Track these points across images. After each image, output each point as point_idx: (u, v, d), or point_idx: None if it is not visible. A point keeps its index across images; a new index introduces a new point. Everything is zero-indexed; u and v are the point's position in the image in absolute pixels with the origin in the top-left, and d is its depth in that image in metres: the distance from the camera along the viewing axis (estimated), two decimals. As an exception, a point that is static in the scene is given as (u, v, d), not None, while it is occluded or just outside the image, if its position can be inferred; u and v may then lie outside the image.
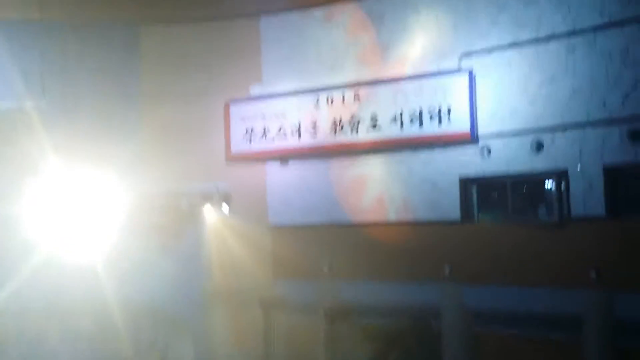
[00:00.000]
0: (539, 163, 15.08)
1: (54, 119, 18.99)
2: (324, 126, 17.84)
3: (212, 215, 18.99)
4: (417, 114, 16.40)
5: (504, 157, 15.58)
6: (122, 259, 18.52)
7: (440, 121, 16.10)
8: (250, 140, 18.93)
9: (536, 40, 15.19)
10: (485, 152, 15.71)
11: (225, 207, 19.04)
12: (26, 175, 18.54)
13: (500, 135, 15.63)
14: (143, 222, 18.49)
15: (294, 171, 18.62)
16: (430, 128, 16.26)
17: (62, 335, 19.08)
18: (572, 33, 14.70)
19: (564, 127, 14.72)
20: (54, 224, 18.29)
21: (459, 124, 15.91)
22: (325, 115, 17.84)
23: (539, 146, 14.96)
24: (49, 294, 18.58)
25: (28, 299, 18.66)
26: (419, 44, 16.81)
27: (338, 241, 17.75)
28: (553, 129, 14.88)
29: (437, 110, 16.14)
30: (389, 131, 16.87)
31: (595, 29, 14.40)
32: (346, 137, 17.51)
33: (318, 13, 18.48)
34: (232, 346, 19.12)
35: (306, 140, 18.14)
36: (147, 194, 18.72)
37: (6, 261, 18.20)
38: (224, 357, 19.09)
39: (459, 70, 16.08)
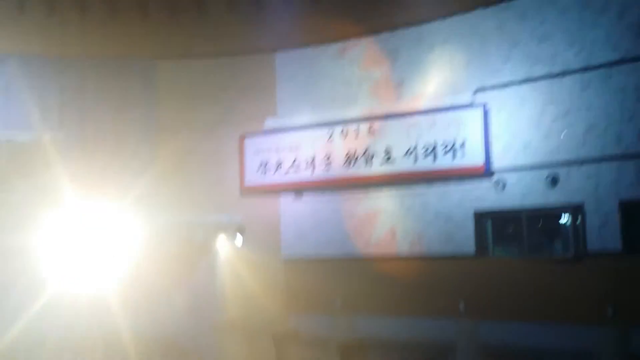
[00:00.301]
0: (554, 197, 15.07)
1: (70, 151, 19.28)
2: (338, 159, 17.98)
3: (225, 247, 19.03)
4: (431, 147, 16.49)
5: (518, 191, 15.59)
6: (135, 290, 18.59)
7: (454, 155, 16.17)
8: (265, 173, 19.07)
9: (550, 76, 15.30)
10: (500, 186, 15.72)
11: (239, 239, 19.10)
12: (42, 207, 18.75)
13: (514, 169, 15.66)
14: (157, 254, 18.55)
15: (308, 204, 18.69)
16: (445, 161, 16.33)
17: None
18: (586, 69, 14.82)
19: (580, 162, 14.75)
20: (69, 256, 18.42)
21: (473, 157, 15.97)
22: (339, 149, 17.98)
23: (554, 180, 14.96)
24: (63, 326, 18.62)
25: (42, 332, 18.70)
26: (432, 79, 16.97)
27: (352, 275, 17.70)
28: (568, 164, 14.90)
29: (451, 144, 16.22)
30: (403, 164, 16.95)
31: (610, 64, 14.51)
32: (360, 170, 17.61)
33: (332, 48, 18.74)
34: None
35: (320, 173, 18.26)
36: (161, 225, 18.80)
37: (21, 293, 18.25)
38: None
39: (472, 104, 16.20)
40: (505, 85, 15.93)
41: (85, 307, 18.49)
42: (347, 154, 17.80)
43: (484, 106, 15.97)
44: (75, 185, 18.58)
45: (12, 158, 19.81)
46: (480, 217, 16.12)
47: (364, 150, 17.49)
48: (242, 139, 19.38)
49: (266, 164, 19.04)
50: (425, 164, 16.60)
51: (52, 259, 18.35)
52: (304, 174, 18.46)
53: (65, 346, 19.06)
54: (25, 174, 19.60)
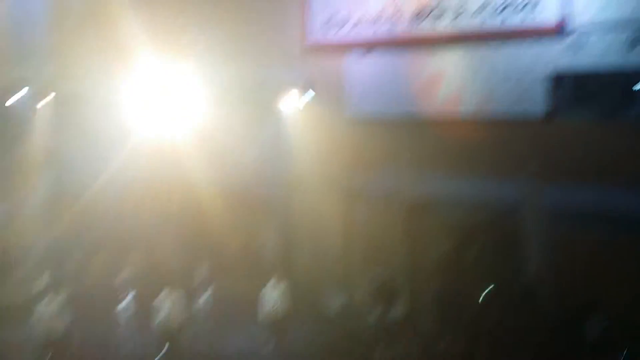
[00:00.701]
0: (633, 59, 14.18)
1: (139, 8, 19.16)
2: (407, 15, 17.19)
3: (292, 105, 19.07)
4: (505, 5, 15.55)
5: (595, 52, 14.67)
6: (208, 144, 19.20)
7: (528, 13, 15.21)
8: (331, 29, 18.54)
9: None
10: (576, 46, 14.87)
11: (305, 96, 18.99)
12: (115, 59, 19.09)
13: (593, 27, 14.67)
14: (226, 109, 18.81)
15: (374, 62, 18.21)
16: (518, 20, 15.43)
17: (155, 213, 20.34)
18: None
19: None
20: (146, 109, 18.90)
21: (549, 15, 14.97)
22: (408, 4, 17.14)
23: (634, 42, 14.02)
24: (146, 175, 19.65)
25: (126, 180, 19.84)
26: None
27: (418, 134, 17.55)
28: (650, 25, 13.86)
29: (525, 2, 15.24)
30: (473, 23, 16.11)
31: None
32: (429, 27, 16.85)
33: None
34: (313, 232, 19.94)
35: (388, 29, 17.57)
36: (228, 81, 18.87)
37: (107, 144, 19.10)
38: (304, 242, 20.00)
39: (550, -44, 14.95)
40: None
41: (165, 158, 19.35)
42: (416, 10, 16.99)
43: (563, -43, 14.73)
44: (143, 40, 18.70)
45: (86, 10, 20.00)
46: (553, 79, 15.37)
47: (433, 7, 16.66)
48: (306, -7, 18.68)
49: (332, 20, 18.45)
50: (497, 22, 15.72)
51: (131, 110, 18.89)
52: (371, 31, 17.82)
53: (146, 194, 20.26)
54: (98, 28, 19.83)
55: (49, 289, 14.26)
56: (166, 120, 19.08)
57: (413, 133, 17.63)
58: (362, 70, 18.44)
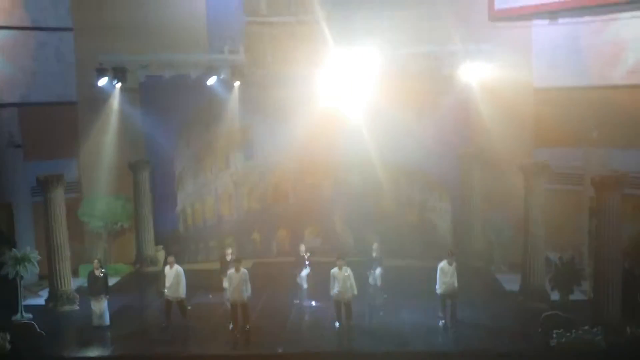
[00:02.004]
0: None
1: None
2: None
3: (471, 77, 18.39)
4: None
5: None
6: (381, 121, 19.20)
7: None
8: (517, -2, 17.61)
9: None
10: None
11: (485, 69, 18.26)
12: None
13: None
14: (403, 86, 18.65)
15: (562, 29, 17.05)
16: None
17: (333, 191, 20.82)
18: None
19: None
20: (330, 90, 19.33)
21: None
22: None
23: None
24: (324, 153, 20.16)
25: (305, 158, 20.49)
26: None
27: (609, 105, 16.23)
28: None
29: None
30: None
31: None
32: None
33: None
34: (489, 208, 19.22)
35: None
36: (404, 57, 18.67)
37: (291, 124, 19.86)
38: (480, 217, 19.32)
39: None
40: None
41: (342, 136, 19.69)
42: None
43: None
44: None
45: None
46: None
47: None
48: (490, -42, 17.90)
49: (517, -13, 17.53)
50: None
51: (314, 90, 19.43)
52: (558, -4, 16.70)
53: (325, 169, 20.72)
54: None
55: (236, 259, 15.06)
56: (345, 99, 19.35)
57: (603, 103, 16.33)
58: (549, 37, 17.46)
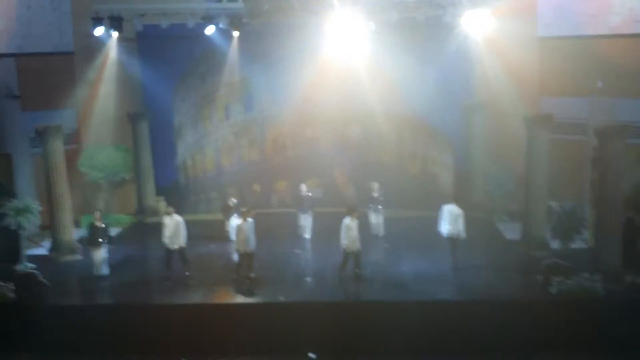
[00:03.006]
0: None
1: None
2: None
3: (474, 26, 18.03)
4: None
5: None
6: (385, 74, 18.94)
7: None
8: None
9: None
10: None
11: (489, 17, 17.85)
12: None
13: None
14: (404, 35, 18.33)
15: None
16: None
17: (334, 142, 20.67)
18: None
19: None
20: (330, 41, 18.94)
21: None
22: None
23: None
24: (324, 103, 19.93)
25: (306, 109, 20.29)
26: None
27: (615, 55, 16.01)
28: None
29: None
30: None
31: None
32: None
33: None
34: (492, 158, 19.16)
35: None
36: (405, 5, 18.24)
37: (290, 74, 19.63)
38: (483, 167, 19.28)
39: None
40: None
41: (342, 86, 19.42)
42: None
43: None
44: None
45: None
46: None
47: None
48: None
49: None
50: None
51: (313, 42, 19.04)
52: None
53: (326, 119, 20.54)
54: None
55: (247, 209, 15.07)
56: (346, 49, 18.99)
57: (610, 53, 16.10)
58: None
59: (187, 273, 15.04)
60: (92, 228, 15.30)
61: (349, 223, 14.63)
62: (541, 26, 18.04)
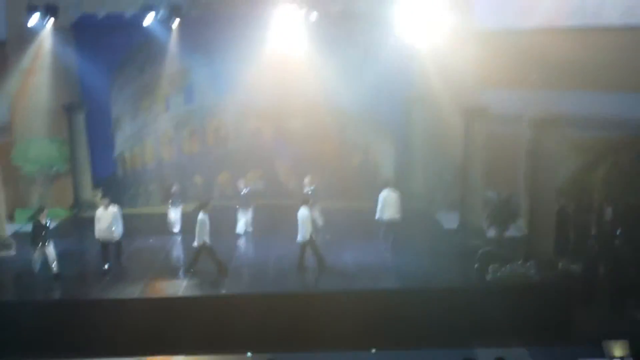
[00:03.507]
0: None
1: None
2: None
3: (412, 19, 18.17)
4: None
5: None
6: (326, 65, 19.00)
7: None
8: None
9: None
10: None
11: (426, 10, 18.06)
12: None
13: None
14: (343, 27, 18.41)
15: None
16: None
17: (276, 134, 20.63)
18: None
19: None
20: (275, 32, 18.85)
21: None
22: None
23: None
24: (266, 95, 19.86)
25: (248, 101, 20.18)
26: None
27: (550, 47, 16.38)
28: None
29: None
30: None
31: None
32: None
33: None
34: (431, 150, 19.45)
35: None
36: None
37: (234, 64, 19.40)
38: (422, 158, 19.61)
39: None
40: None
41: (283, 78, 19.35)
42: None
43: None
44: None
45: None
46: None
47: None
48: None
49: None
50: None
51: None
52: None
53: (268, 114, 20.49)
54: None
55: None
56: (286, 41, 18.99)
57: (546, 45, 16.50)
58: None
59: (123, 266, 14.83)
60: (37, 225, 14.56)
61: (305, 212, 14.70)
62: (479, 19, 18.34)
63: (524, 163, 16.44)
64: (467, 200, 16.55)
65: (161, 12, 18.39)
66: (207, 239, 14.43)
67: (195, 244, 14.47)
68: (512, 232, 15.85)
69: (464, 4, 18.28)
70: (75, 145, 19.49)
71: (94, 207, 19.31)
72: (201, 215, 14.48)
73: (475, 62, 18.11)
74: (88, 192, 19.71)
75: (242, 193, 17.55)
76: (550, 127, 14.76)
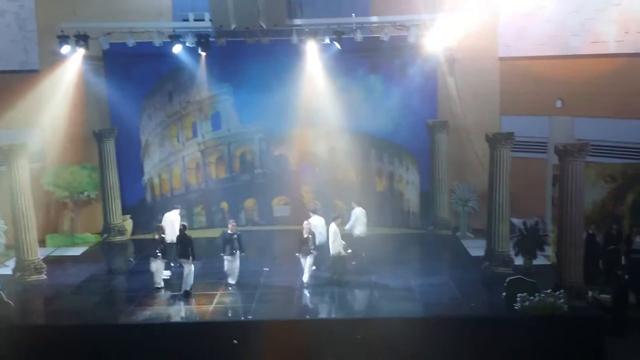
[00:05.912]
0: None
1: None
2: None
3: (437, 47, 18.37)
4: None
5: None
6: (351, 92, 19.20)
7: None
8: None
9: None
10: None
11: (451, 38, 18.18)
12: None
13: None
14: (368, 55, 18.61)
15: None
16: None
17: (300, 158, 20.75)
18: None
19: None
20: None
21: None
22: None
23: None
24: (291, 121, 20.06)
25: (271, 127, 20.39)
26: None
27: (574, 75, 16.48)
28: None
29: None
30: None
31: None
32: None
33: None
34: (456, 176, 19.45)
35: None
36: (370, 26, 18.56)
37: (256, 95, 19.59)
38: (447, 184, 19.52)
39: None
40: None
41: (308, 107, 19.62)
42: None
43: None
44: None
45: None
46: None
47: None
48: None
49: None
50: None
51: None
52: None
53: (294, 138, 20.69)
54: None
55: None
56: (312, 69, 19.23)
57: (568, 73, 16.57)
58: (516, 5, 17.47)
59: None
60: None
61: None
62: (502, 47, 18.48)
63: (551, 190, 16.42)
64: (493, 227, 16.48)
65: (189, 40, 18.77)
66: (342, 250, 15.24)
67: (331, 252, 15.28)
68: (540, 260, 15.76)
69: (490, 31, 18.39)
70: (105, 171, 19.78)
71: (123, 232, 19.93)
72: (334, 227, 15.31)
73: (500, 89, 18.22)
74: (118, 217, 20.02)
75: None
76: (576, 153, 14.72)
